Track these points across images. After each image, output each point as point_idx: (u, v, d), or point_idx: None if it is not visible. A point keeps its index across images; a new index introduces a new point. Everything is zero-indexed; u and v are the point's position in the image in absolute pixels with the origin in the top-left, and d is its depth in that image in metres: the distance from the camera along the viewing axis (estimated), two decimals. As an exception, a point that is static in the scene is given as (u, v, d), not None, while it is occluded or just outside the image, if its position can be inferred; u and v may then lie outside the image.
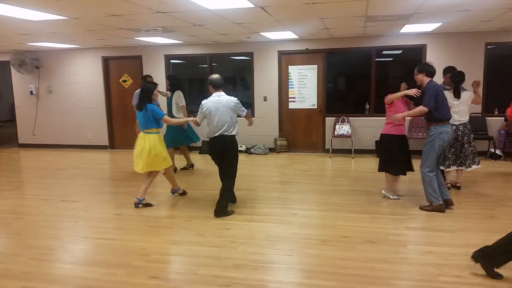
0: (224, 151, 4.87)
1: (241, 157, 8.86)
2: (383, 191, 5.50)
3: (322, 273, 3.41)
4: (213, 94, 4.90)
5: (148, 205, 5.30)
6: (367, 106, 8.75)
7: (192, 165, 7.62)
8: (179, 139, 7.09)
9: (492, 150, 7.92)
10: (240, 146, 9.21)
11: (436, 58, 8.16)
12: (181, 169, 7.50)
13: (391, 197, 5.40)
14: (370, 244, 3.98)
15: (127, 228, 4.59)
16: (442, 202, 4.85)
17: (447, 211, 4.86)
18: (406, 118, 5.22)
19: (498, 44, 8.07)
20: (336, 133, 8.62)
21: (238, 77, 9.98)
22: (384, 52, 8.72)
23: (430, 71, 4.82)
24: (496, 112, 8.01)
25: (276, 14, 5.74)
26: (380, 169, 5.40)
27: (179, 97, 7.00)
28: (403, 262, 3.60)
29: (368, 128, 8.59)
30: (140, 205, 5.26)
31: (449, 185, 5.76)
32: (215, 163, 5.05)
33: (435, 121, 4.76)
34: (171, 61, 9.72)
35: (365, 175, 6.86)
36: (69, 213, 5.16)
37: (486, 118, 8.07)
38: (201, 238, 4.23)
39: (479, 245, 3.84)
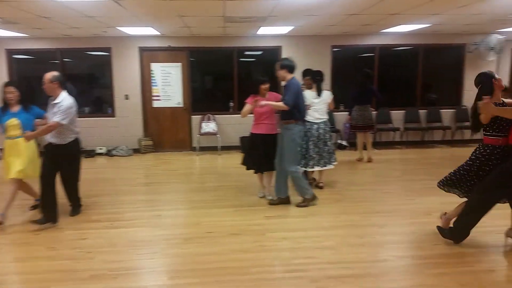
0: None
1: (102, 160, 8.52)
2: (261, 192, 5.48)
3: (185, 272, 3.39)
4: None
5: None
6: (231, 104, 9.01)
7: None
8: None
9: (339, 141, 8.92)
10: (100, 148, 8.66)
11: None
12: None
13: (259, 194, 5.42)
14: (233, 237, 4.10)
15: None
16: (312, 192, 5.03)
17: (300, 198, 5.28)
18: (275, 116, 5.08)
19: (342, 47, 9.09)
20: (202, 131, 8.69)
21: (96, 74, 9.31)
22: (247, 52, 9.09)
23: (291, 67, 4.76)
24: (342, 108, 9.00)
25: (132, 8, 5.50)
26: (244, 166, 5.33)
27: None
28: (262, 250, 3.79)
29: (233, 125, 8.85)
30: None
31: (310, 181, 6.11)
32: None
33: (295, 119, 4.75)
34: (14, 56, 8.60)
35: (231, 171, 7.05)
36: None
37: (334, 113, 9.03)
38: (52, 252, 3.83)
39: (328, 227, 4.29)
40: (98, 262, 3.60)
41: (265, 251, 3.77)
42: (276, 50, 8.90)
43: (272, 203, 5.11)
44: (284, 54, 8.84)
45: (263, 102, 4.71)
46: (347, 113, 8.08)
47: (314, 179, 6.04)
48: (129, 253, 3.78)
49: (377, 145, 9.08)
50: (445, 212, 4.05)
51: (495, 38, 8.77)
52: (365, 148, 7.75)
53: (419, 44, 9.14)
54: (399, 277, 3.23)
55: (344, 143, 8.94)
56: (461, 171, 3.78)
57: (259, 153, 5.10)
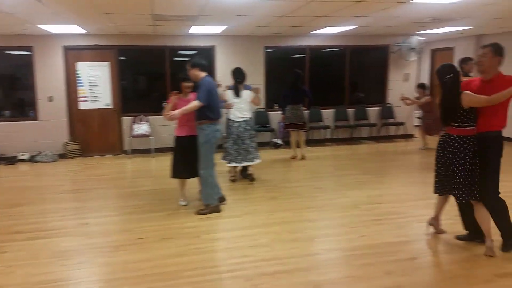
0: None
1: (24, 167, 7.91)
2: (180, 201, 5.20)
3: (115, 281, 3.25)
4: None
5: None
6: (165, 105, 8.78)
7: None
8: None
9: (274, 140, 9.07)
10: (23, 154, 8.07)
11: (225, 59, 8.85)
12: None
13: (181, 203, 5.11)
14: (165, 241, 4.00)
15: None
16: (217, 202, 4.84)
17: (236, 198, 5.31)
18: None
19: (275, 47, 9.25)
20: (134, 133, 8.39)
21: (16, 75, 8.61)
22: (180, 52, 8.93)
23: (203, 65, 4.64)
24: (276, 107, 9.16)
25: (53, 5, 5.17)
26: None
27: None
28: (196, 252, 3.74)
29: (167, 126, 8.59)
30: None
31: (234, 177, 6.22)
32: None
33: (209, 119, 4.60)
34: None
35: (165, 174, 6.82)
36: None
37: (268, 112, 9.18)
38: (-36, 269, 3.49)
39: (263, 225, 4.34)
40: (19, 276, 3.34)
41: (199, 254, 3.72)
42: (210, 50, 8.84)
43: (200, 212, 4.74)
44: (218, 53, 8.83)
45: (176, 112, 4.46)
46: (280, 112, 8.23)
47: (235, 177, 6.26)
48: (54, 265, 3.55)
49: (309, 142, 9.35)
50: (431, 217, 4.03)
51: (415, 39, 9.41)
52: (298, 146, 7.95)
53: (346, 45, 9.56)
54: (328, 270, 3.35)
55: (279, 141, 9.10)
56: (464, 173, 3.47)
57: (182, 157, 4.88)
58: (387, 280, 3.15)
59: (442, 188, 3.75)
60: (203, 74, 4.65)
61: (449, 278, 3.18)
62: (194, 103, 4.46)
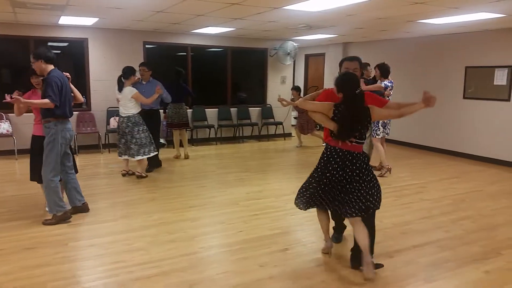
0: None
1: None
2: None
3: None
4: None
5: None
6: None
7: None
8: None
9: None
10: None
11: (99, 53, 8.31)
12: None
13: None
14: (27, 251, 3.60)
15: None
16: (68, 208, 4.39)
17: (112, 201, 5.03)
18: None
19: (155, 44, 8.98)
20: (-8, 133, 7.40)
21: None
22: (50, 43, 8.10)
23: (49, 57, 4.14)
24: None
25: None
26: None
27: None
28: (63, 261, 3.44)
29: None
30: None
31: (124, 172, 6.30)
32: None
33: (55, 117, 4.15)
34: None
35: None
36: None
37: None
38: None
39: (139, 228, 4.18)
40: None
41: (67, 263, 3.42)
42: (81, 43, 8.22)
43: (46, 223, 4.26)
44: (91, 46, 8.26)
45: (23, 100, 3.99)
46: (162, 111, 8.03)
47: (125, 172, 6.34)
48: None
49: (194, 141, 9.34)
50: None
51: (291, 44, 10.01)
52: (182, 145, 7.86)
53: (227, 46, 9.76)
54: (205, 268, 3.36)
55: (162, 141, 8.87)
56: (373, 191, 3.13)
57: (41, 158, 4.30)
58: (261, 272, 3.28)
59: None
60: (50, 66, 4.16)
61: (316, 266, 3.43)
62: (45, 101, 4.00)
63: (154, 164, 6.77)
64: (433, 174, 6.73)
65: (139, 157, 6.07)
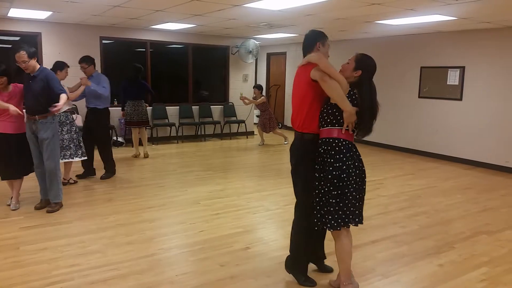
0: None
1: None
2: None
3: None
4: None
5: None
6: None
7: None
8: None
9: (115, 138, 8.56)
10: None
11: (53, 48, 7.96)
12: None
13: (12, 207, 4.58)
14: (-28, 258, 3.39)
15: None
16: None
17: (67, 202, 4.82)
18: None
19: (113, 39, 8.70)
20: None
21: None
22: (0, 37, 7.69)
23: (36, 53, 4.30)
24: (116, 103, 8.64)
25: None
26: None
27: None
28: (14, 266, 3.26)
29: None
30: None
31: (65, 180, 5.54)
32: None
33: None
34: None
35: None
36: None
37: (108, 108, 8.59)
38: None
39: (96, 230, 4.03)
40: None
41: (18, 268, 3.24)
42: (34, 37, 7.84)
43: (52, 210, 4.51)
44: (45, 41, 7.90)
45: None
46: (120, 108, 7.80)
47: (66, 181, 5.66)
48: None
49: (154, 140, 9.14)
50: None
51: (252, 42, 10.00)
52: (141, 143, 7.67)
53: (188, 43, 9.61)
54: (164, 269, 3.28)
55: (120, 139, 8.63)
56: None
57: (7, 155, 4.42)
58: (222, 272, 3.24)
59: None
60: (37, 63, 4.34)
61: (278, 264, 3.43)
62: (65, 97, 4.31)
63: (87, 172, 6.05)
64: (390, 171, 6.94)
65: (65, 160, 5.40)
